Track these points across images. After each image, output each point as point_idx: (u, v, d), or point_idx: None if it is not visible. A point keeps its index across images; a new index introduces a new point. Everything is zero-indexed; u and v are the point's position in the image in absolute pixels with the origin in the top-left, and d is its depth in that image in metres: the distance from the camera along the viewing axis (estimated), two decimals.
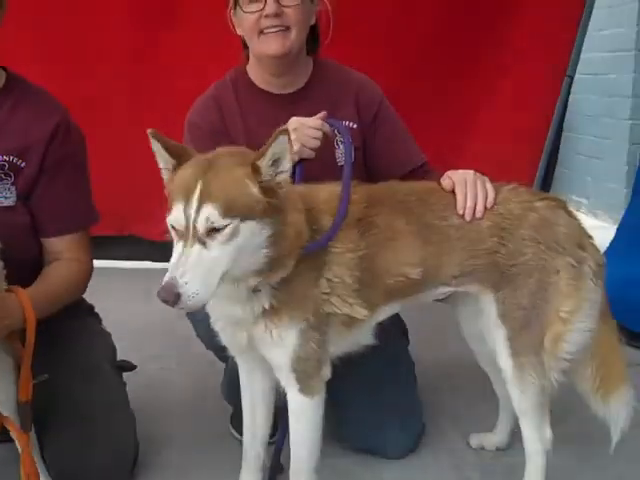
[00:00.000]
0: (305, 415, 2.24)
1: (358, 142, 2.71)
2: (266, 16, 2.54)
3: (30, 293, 2.28)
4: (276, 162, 1.96)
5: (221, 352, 2.56)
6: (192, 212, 1.86)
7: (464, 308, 2.55)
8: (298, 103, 2.70)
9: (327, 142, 2.50)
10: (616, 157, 6.45)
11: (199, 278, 1.85)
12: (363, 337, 2.34)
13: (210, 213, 1.86)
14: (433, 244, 2.25)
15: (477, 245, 2.26)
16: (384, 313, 2.34)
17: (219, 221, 1.86)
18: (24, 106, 2.45)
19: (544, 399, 2.30)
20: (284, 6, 2.54)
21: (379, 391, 2.71)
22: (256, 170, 1.94)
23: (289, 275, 2.09)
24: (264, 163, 1.94)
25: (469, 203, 2.29)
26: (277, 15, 2.54)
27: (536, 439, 2.31)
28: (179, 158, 2.01)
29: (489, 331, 2.33)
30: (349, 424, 2.74)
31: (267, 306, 2.11)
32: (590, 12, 3.92)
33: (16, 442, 2.28)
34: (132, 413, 2.64)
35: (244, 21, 2.60)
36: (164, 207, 1.98)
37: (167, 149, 2.01)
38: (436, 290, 2.34)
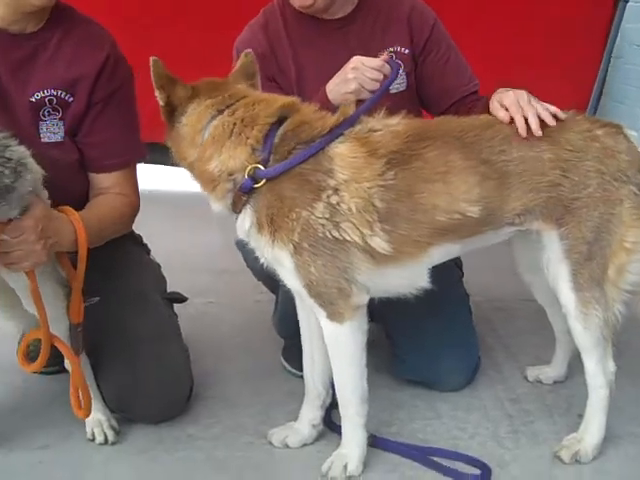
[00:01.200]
0: (337, 342, 2.21)
1: (409, 67, 2.65)
2: None
3: (80, 216, 2.25)
4: None
5: (271, 282, 2.53)
6: None
7: (519, 241, 2.47)
8: (348, 27, 2.64)
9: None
10: None
11: None
12: (415, 278, 2.26)
13: None
14: (493, 180, 2.16)
15: (539, 179, 2.17)
16: (438, 254, 2.24)
17: None
18: (72, 38, 2.38)
19: (607, 332, 2.24)
20: None
21: (434, 323, 2.67)
22: None
23: (271, 195, 2.09)
24: None
25: (531, 119, 2.19)
26: None
27: (599, 373, 2.26)
28: None
29: (550, 268, 2.26)
30: (403, 357, 2.71)
31: (248, 224, 2.15)
32: None
33: (67, 364, 2.30)
34: (185, 345, 2.64)
35: None
36: None
37: None
38: (500, 230, 2.26)
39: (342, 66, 2.40)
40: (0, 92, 2.31)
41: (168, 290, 2.81)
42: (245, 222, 2.16)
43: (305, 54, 2.62)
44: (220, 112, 2.15)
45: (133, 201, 2.55)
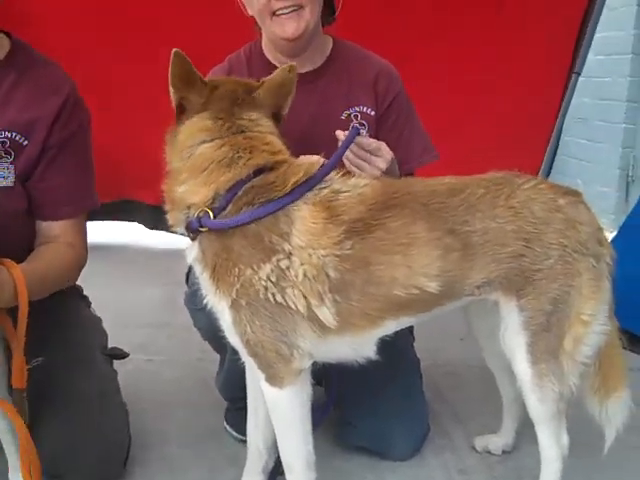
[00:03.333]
0: (277, 407, 2.13)
1: (374, 130, 2.61)
2: None
3: (22, 269, 2.11)
4: None
5: (217, 343, 2.45)
6: None
7: (475, 306, 2.41)
8: (315, 83, 2.60)
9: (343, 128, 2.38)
10: (608, 161, 6.40)
11: None
12: (362, 349, 2.18)
13: None
14: (456, 252, 2.10)
15: (501, 250, 2.13)
16: (390, 327, 2.17)
17: None
18: (29, 79, 2.29)
19: (562, 405, 2.21)
20: None
21: (383, 390, 2.60)
22: None
23: (219, 244, 2.02)
24: None
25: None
26: None
27: (554, 445, 2.23)
28: None
29: (507, 338, 2.22)
30: (351, 425, 2.63)
31: (192, 258, 2.10)
32: (600, 11, 3.86)
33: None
34: (125, 404, 2.52)
35: (254, 2, 2.48)
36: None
37: None
38: (459, 301, 2.21)
39: (303, 120, 2.35)
40: None
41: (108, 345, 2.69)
42: (191, 254, 2.11)
43: None
44: (211, 140, 2.07)
45: (80, 253, 2.43)
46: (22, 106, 2.26)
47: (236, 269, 2.00)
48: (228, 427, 2.80)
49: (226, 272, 2.02)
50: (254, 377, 2.25)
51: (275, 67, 2.57)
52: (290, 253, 2.00)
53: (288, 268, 2.00)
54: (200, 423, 2.87)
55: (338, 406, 2.65)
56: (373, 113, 2.62)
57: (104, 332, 2.68)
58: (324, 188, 2.09)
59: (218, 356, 2.86)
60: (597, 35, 5.93)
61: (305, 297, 2.01)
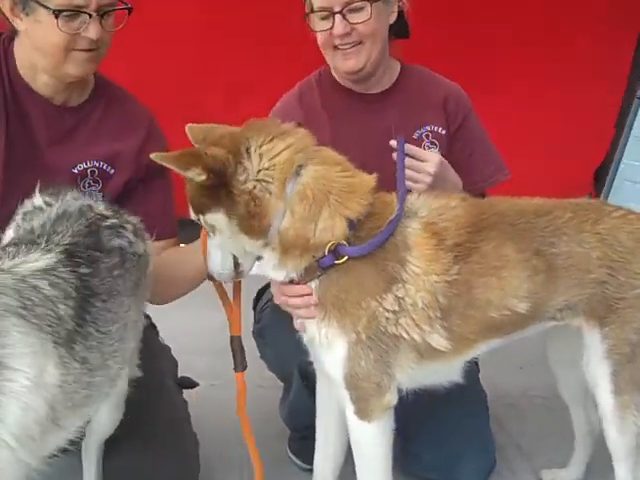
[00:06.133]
0: (363, 440, 2.13)
1: (445, 148, 2.63)
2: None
3: None
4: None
5: (284, 374, 2.47)
6: None
7: (555, 333, 2.40)
8: (385, 103, 2.65)
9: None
10: None
11: (215, 260, 2.14)
12: (451, 373, 2.20)
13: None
14: (542, 273, 2.11)
15: (584, 275, 2.13)
16: (480, 350, 2.19)
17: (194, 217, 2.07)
18: (113, 112, 2.43)
19: None
20: (353, 23, 2.47)
21: (450, 422, 2.59)
22: None
23: (346, 277, 2.01)
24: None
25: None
26: (347, 34, 2.48)
27: None
28: None
29: (590, 367, 2.21)
30: (417, 456, 2.62)
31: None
32: None
33: None
34: (195, 434, 2.54)
35: (317, 35, 2.54)
36: None
37: None
38: (541, 325, 2.22)
39: (380, 139, 2.41)
40: (42, 162, 2.33)
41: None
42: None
43: (343, 127, 2.60)
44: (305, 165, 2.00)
45: None
46: (109, 138, 2.40)
47: (363, 302, 2.01)
48: (292, 456, 2.81)
49: (354, 305, 2.01)
50: (325, 409, 2.28)
51: (344, 88, 2.64)
52: (405, 281, 2.02)
53: (403, 297, 2.02)
54: (264, 451, 2.83)
55: (402, 436, 2.64)
56: (444, 132, 2.65)
57: (174, 360, 2.73)
58: (421, 208, 2.11)
59: (278, 383, 2.87)
60: None
61: (417, 325, 2.03)
